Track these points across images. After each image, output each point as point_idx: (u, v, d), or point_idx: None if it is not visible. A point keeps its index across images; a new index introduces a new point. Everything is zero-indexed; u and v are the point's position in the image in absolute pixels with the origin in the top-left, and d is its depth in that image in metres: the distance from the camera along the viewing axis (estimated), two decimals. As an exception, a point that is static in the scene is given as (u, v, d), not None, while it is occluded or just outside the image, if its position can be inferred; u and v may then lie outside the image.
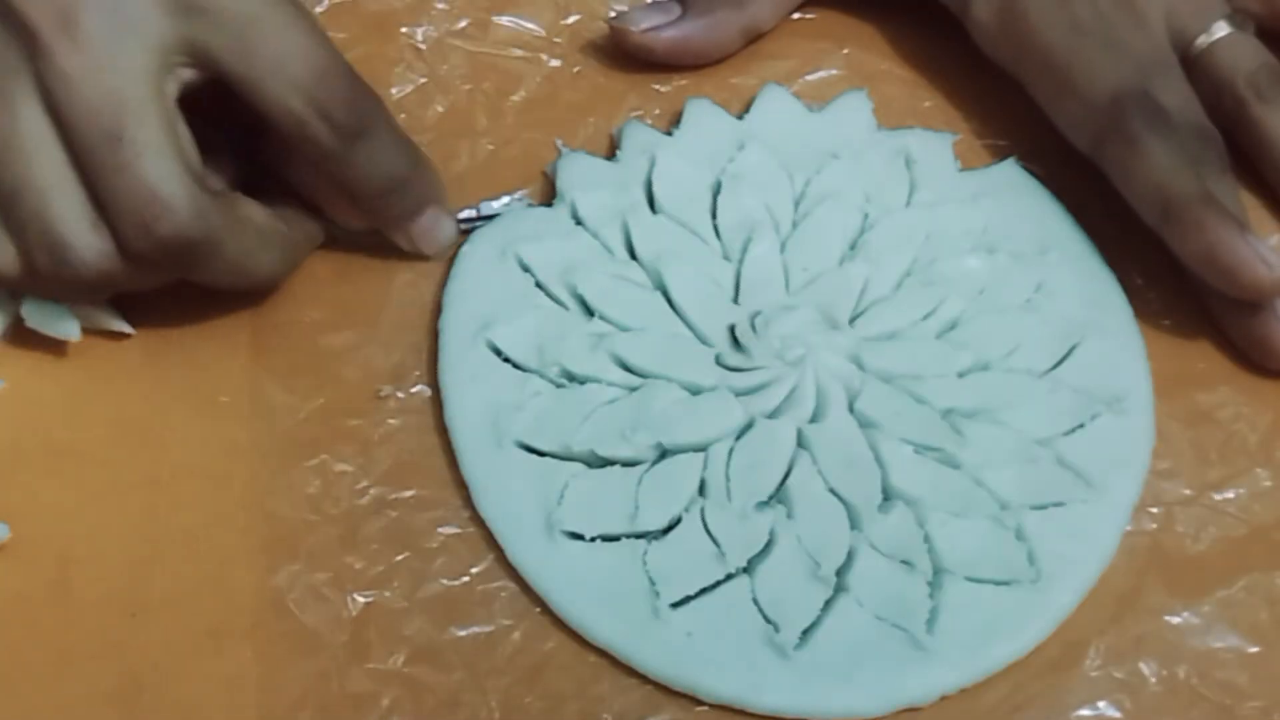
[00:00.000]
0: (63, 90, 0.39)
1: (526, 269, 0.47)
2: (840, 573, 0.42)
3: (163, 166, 0.40)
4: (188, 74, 0.41)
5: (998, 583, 0.42)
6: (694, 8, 0.52)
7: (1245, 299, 0.45)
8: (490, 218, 0.48)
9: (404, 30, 0.52)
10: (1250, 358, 0.46)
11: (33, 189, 0.40)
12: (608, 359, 0.45)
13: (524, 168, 0.50)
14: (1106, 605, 0.42)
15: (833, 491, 0.43)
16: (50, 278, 0.41)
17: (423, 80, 0.51)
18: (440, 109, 0.51)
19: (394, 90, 0.51)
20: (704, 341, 0.46)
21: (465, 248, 0.47)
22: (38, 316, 0.44)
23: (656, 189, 0.48)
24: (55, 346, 0.45)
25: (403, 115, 0.50)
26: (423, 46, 0.52)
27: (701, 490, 0.43)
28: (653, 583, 0.41)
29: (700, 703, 0.40)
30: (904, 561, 0.42)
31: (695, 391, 0.44)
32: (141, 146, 0.39)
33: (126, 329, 0.45)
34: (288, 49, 0.41)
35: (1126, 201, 0.47)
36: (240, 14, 0.40)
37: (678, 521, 0.42)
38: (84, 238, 0.40)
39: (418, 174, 0.45)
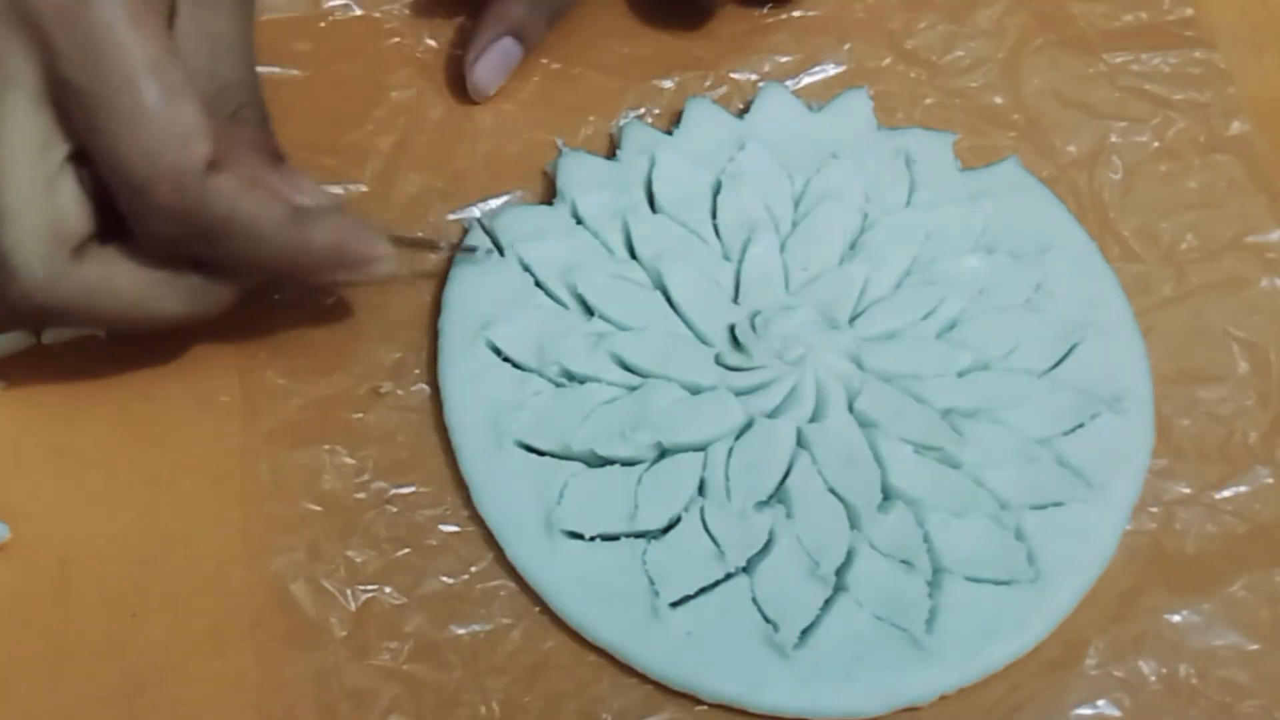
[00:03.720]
0: (63, 66, 0.38)
1: (526, 268, 0.47)
2: (840, 572, 0.42)
3: (18, 234, 0.38)
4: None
5: (997, 582, 0.42)
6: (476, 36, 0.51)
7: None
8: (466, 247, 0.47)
9: (404, 40, 0.52)
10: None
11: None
12: (607, 358, 0.45)
13: (524, 167, 0.50)
14: (1106, 604, 0.42)
15: (832, 491, 0.43)
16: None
17: (423, 83, 0.51)
18: (440, 112, 0.51)
19: (394, 94, 0.51)
20: (704, 341, 0.46)
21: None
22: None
23: (656, 188, 0.48)
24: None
25: (402, 119, 0.50)
26: (421, 55, 0.52)
27: (701, 490, 0.43)
28: (652, 582, 0.41)
29: (700, 702, 0.40)
30: (903, 561, 0.42)
31: (695, 391, 0.44)
32: (4, 215, 0.38)
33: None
34: (127, 144, 0.38)
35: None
36: (97, 95, 0.38)
37: (677, 521, 0.42)
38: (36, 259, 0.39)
39: (302, 257, 0.41)
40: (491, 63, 0.50)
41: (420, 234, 0.47)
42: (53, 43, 0.38)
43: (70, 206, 0.39)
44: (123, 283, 0.40)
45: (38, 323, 0.41)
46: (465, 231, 0.47)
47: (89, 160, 0.39)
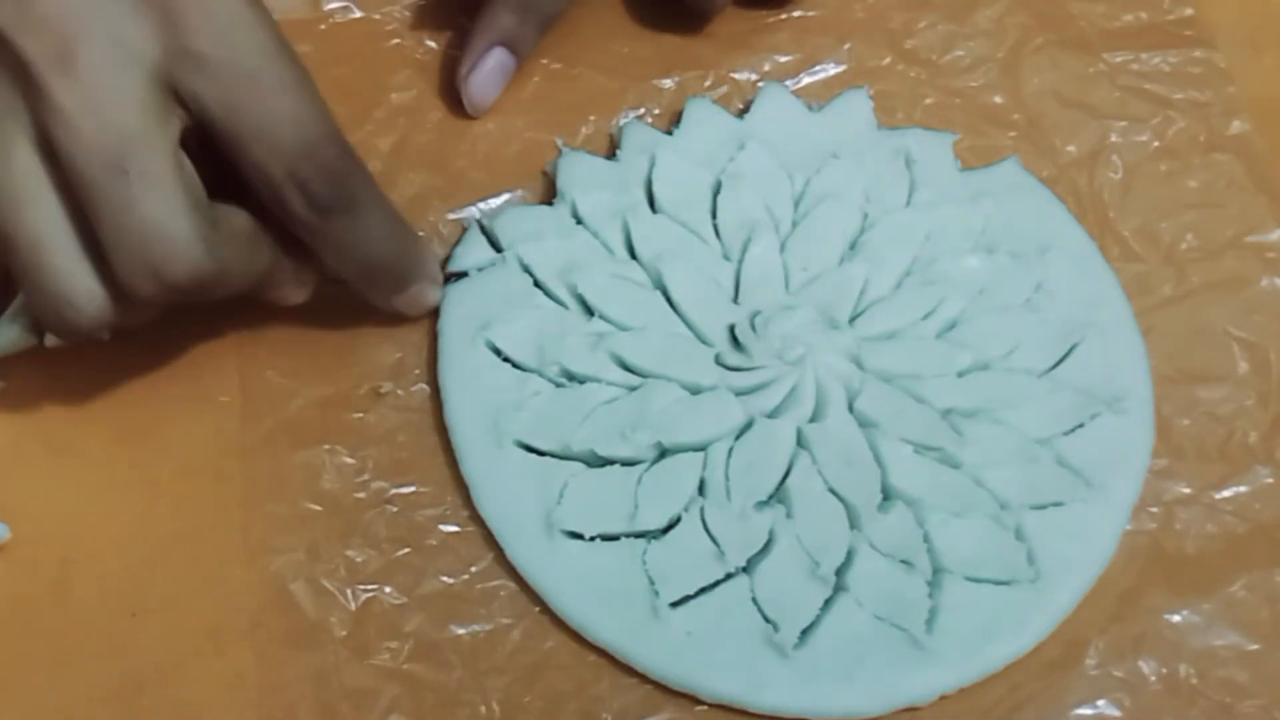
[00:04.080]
0: (61, 127, 0.37)
1: (526, 268, 0.47)
2: (840, 572, 0.42)
3: (170, 203, 0.38)
4: (182, 114, 0.39)
5: (997, 582, 0.42)
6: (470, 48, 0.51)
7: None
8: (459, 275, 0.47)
9: (404, 42, 0.52)
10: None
11: (27, 238, 0.38)
12: (607, 358, 0.45)
13: (524, 167, 0.50)
14: (1106, 604, 0.42)
15: (832, 491, 0.43)
16: (50, 326, 0.40)
17: (423, 84, 0.51)
18: (440, 113, 0.51)
19: (393, 96, 0.51)
20: (704, 341, 0.46)
21: (460, 248, 0.47)
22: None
23: (656, 188, 0.48)
24: (56, 347, 0.45)
25: (402, 119, 0.50)
26: (421, 56, 0.52)
27: (701, 490, 0.43)
28: (652, 582, 0.41)
29: (699, 702, 0.41)
30: (903, 561, 0.42)
31: (695, 391, 0.44)
32: (149, 181, 0.37)
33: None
34: (279, 113, 0.39)
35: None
36: (238, 69, 0.38)
37: (677, 521, 0.42)
38: (81, 289, 0.38)
39: (403, 256, 0.44)
40: (485, 77, 0.50)
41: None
42: (184, 19, 0.38)
43: (194, 180, 0.39)
44: (245, 233, 0.41)
45: (193, 296, 0.40)
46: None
47: (210, 134, 0.39)
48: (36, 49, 0.37)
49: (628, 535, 0.42)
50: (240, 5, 0.39)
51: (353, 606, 0.41)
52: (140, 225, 0.37)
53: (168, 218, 0.38)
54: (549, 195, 0.49)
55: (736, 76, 0.52)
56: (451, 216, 0.49)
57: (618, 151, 0.49)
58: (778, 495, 0.43)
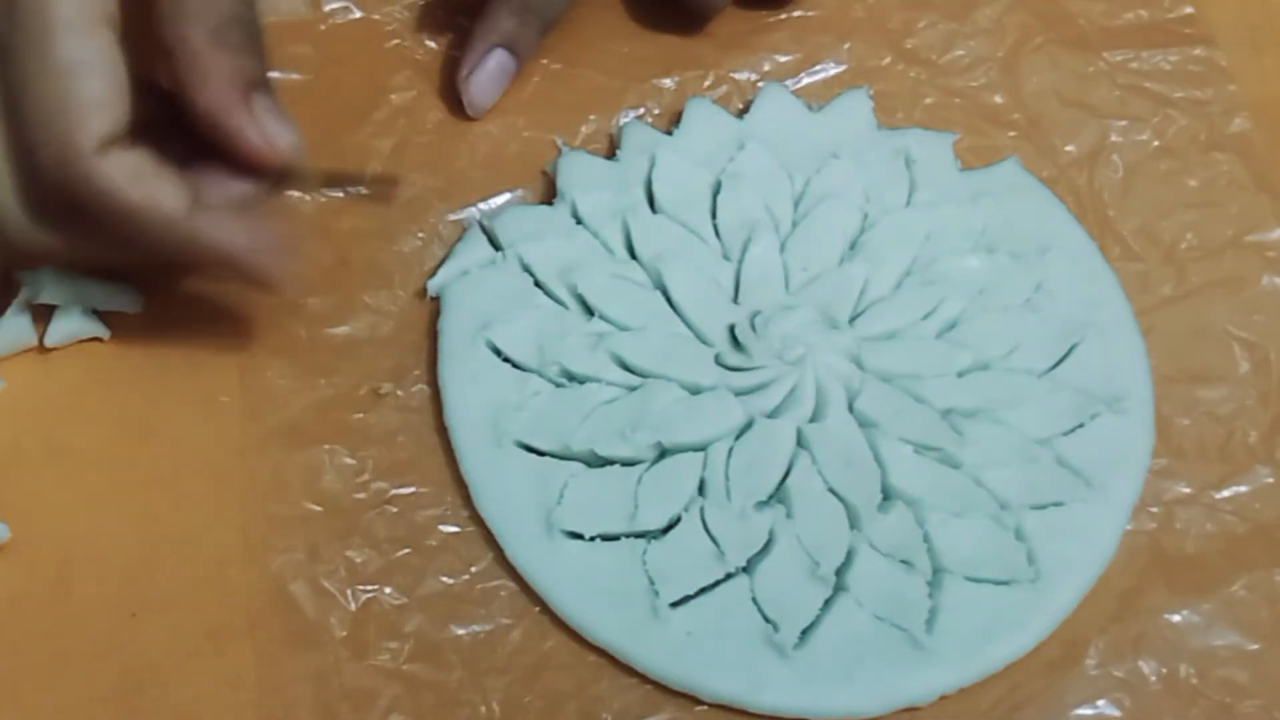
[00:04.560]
0: None
1: (526, 268, 0.47)
2: (840, 572, 0.42)
3: (64, 85, 0.37)
4: None
5: (997, 582, 0.42)
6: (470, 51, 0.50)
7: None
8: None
9: (404, 42, 0.52)
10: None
11: None
12: (607, 358, 0.45)
13: (524, 167, 0.50)
14: (1106, 604, 0.42)
15: (832, 491, 0.43)
16: None
17: (423, 85, 0.51)
18: (440, 114, 0.51)
19: (394, 96, 0.51)
20: (704, 341, 0.46)
21: (460, 245, 0.47)
22: (58, 334, 0.45)
23: (656, 188, 0.48)
24: (55, 347, 0.45)
25: (402, 120, 0.50)
26: (420, 57, 0.52)
27: (701, 490, 0.43)
28: (652, 582, 0.41)
29: (699, 702, 0.41)
30: (903, 561, 0.42)
31: (695, 391, 0.44)
32: (53, 62, 0.37)
33: (104, 332, 0.45)
34: (24, 102, 0.38)
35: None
36: (8, 44, 0.38)
37: (677, 521, 0.42)
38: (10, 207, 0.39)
39: (193, 245, 0.41)
40: (485, 79, 0.50)
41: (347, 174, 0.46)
42: None
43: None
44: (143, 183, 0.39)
45: (54, 224, 0.40)
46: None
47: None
48: None
49: (628, 535, 0.42)
50: None
51: (352, 607, 0.41)
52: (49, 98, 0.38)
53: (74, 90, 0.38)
54: (549, 195, 0.49)
55: (736, 76, 0.52)
56: (451, 217, 0.49)
57: (618, 151, 0.49)
58: (778, 495, 0.43)
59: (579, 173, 0.49)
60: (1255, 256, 0.49)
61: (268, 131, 0.40)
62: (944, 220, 0.48)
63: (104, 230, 0.40)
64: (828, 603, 0.41)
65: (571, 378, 0.45)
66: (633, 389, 0.44)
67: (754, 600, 0.41)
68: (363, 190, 0.46)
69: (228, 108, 0.40)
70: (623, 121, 0.51)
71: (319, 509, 0.43)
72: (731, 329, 0.45)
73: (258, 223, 0.41)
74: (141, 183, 0.39)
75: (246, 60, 0.40)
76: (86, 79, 0.38)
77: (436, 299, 0.46)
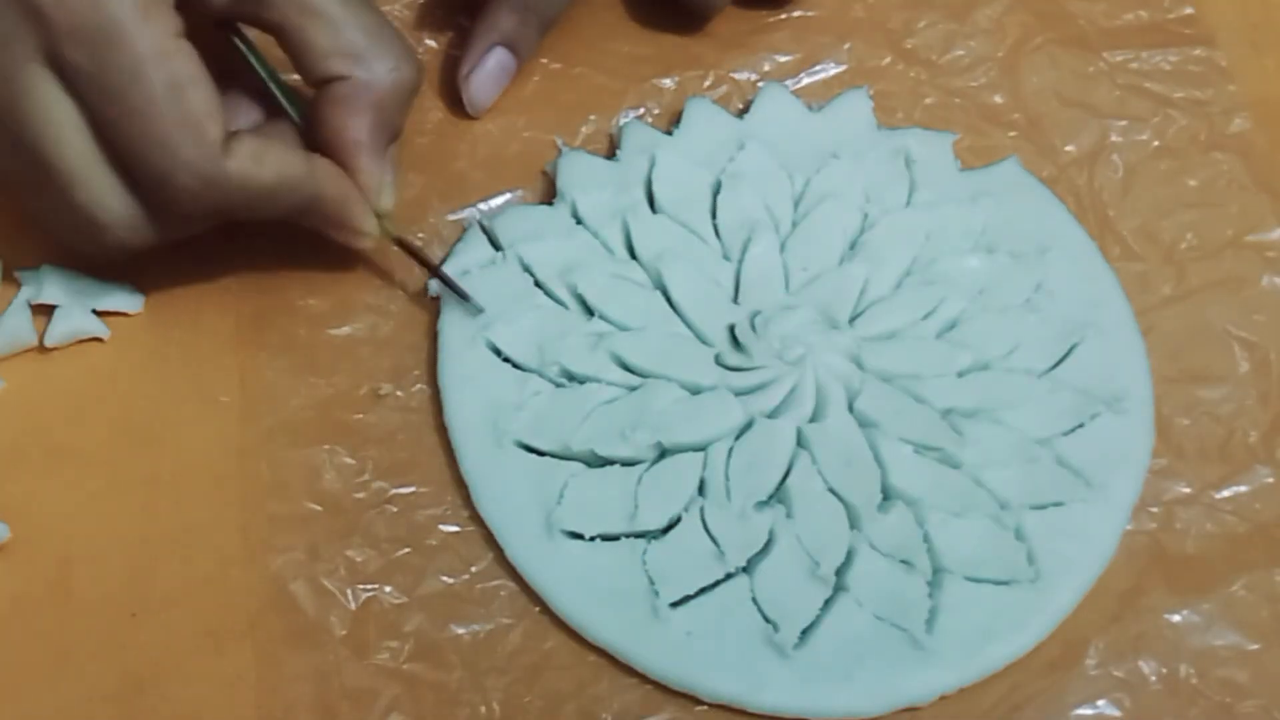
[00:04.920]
0: (69, 49, 0.39)
1: (527, 268, 0.47)
2: (840, 572, 0.42)
3: (98, 193, 0.40)
4: None
5: (997, 582, 0.42)
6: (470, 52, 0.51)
7: None
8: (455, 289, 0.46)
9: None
10: None
11: (57, 173, 0.40)
12: (607, 358, 0.45)
13: (524, 167, 0.50)
14: (1106, 604, 0.42)
15: (832, 491, 0.43)
16: (91, 255, 0.43)
17: (423, 85, 0.51)
18: (440, 114, 0.51)
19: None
20: (704, 341, 0.46)
21: (460, 245, 0.47)
22: (58, 334, 0.45)
23: (656, 188, 0.48)
24: (55, 347, 0.45)
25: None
26: (421, 57, 0.52)
27: (701, 490, 0.43)
28: (652, 582, 0.41)
29: (699, 702, 0.40)
30: (903, 561, 0.42)
31: (695, 391, 0.44)
32: (71, 179, 0.40)
33: (104, 332, 0.45)
34: (138, 135, 0.40)
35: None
36: (101, 83, 0.39)
37: (677, 521, 0.42)
38: (113, 214, 0.41)
39: (318, 199, 0.44)
40: (485, 77, 0.50)
41: (422, 251, 0.46)
42: (53, 26, 0.38)
43: (206, 85, 0.41)
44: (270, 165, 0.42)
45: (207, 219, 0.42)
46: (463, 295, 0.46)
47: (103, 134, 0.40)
48: None
49: (628, 535, 0.42)
50: (120, 21, 0.39)
51: (353, 606, 0.41)
52: (72, 213, 0.41)
53: (101, 203, 0.41)
54: (549, 195, 0.49)
55: (736, 76, 0.52)
56: (451, 217, 0.49)
57: (618, 151, 0.49)
58: (778, 495, 0.43)
59: (579, 173, 0.49)
60: (1255, 256, 0.49)
61: (378, 185, 0.45)
62: (944, 220, 0.48)
63: (242, 213, 0.42)
64: (828, 603, 0.41)
65: (571, 378, 0.45)
66: (633, 389, 0.44)
67: (754, 600, 0.41)
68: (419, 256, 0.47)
69: (370, 151, 0.44)
70: (623, 121, 0.51)
71: (319, 508, 0.43)
72: (731, 329, 0.45)
73: (353, 172, 0.44)
74: (265, 161, 0.42)
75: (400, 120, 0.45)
76: (192, 92, 0.40)
77: (437, 299, 0.46)
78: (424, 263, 0.46)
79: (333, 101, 0.43)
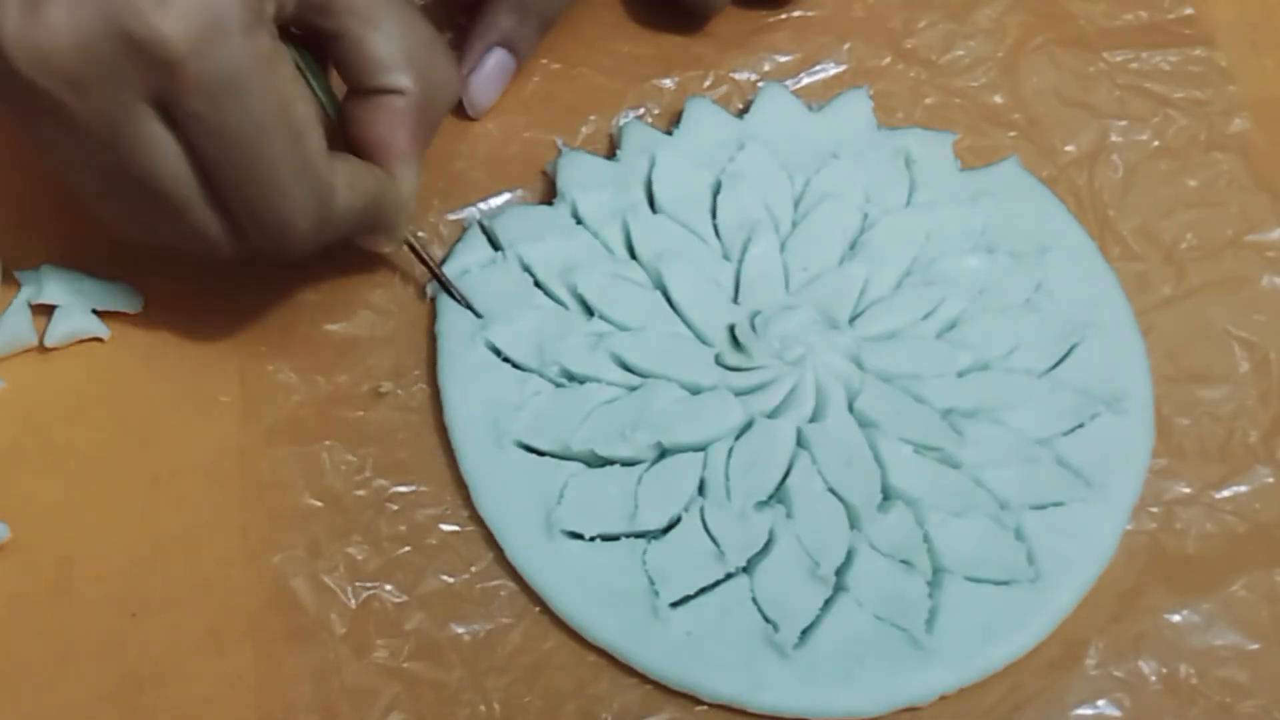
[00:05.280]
0: (88, 148, 0.38)
1: (526, 268, 0.47)
2: (840, 572, 0.42)
3: (198, 223, 0.40)
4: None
5: (997, 582, 0.42)
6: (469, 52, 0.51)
7: None
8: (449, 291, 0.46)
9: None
10: None
11: (167, 199, 0.39)
12: (607, 358, 0.45)
13: (524, 167, 0.50)
14: (1106, 604, 0.42)
15: (832, 491, 0.43)
16: (194, 257, 0.42)
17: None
18: (440, 112, 0.51)
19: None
20: (704, 341, 0.46)
21: (461, 245, 0.47)
22: (58, 334, 0.45)
23: (656, 188, 0.48)
24: (55, 347, 0.45)
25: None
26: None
27: (701, 490, 0.43)
28: (652, 582, 0.41)
29: (699, 702, 0.40)
30: (903, 561, 0.42)
31: (695, 391, 0.44)
32: (176, 209, 0.39)
33: (104, 332, 0.45)
34: (251, 184, 0.39)
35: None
36: (228, 134, 0.38)
37: (677, 521, 0.42)
38: (220, 239, 0.41)
39: (379, 230, 0.45)
40: (485, 78, 0.50)
41: (429, 256, 0.46)
42: (178, 76, 0.37)
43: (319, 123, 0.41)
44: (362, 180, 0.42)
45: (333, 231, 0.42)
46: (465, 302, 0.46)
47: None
48: (47, 81, 0.37)
49: (628, 535, 0.42)
50: (246, 73, 0.37)
51: (353, 604, 0.41)
52: (177, 235, 0.41)
53: (200, 231, 0.40)
54: (549, 195, 0.49)
55: (736, 76, 0.52)
56: (451, 217, 0.49)
57: (618, 151, 0.49)
58: (778, 495, 0.43)
59: (579, 173, 0.49)
60: (1255, 256, 0.49)
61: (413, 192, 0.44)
62: (944, 220, 0.48)
63: (334, 240, 0.42)
64: (828, 603, 0.41)
65: (571, 378, 0.45)
66: (633, 389, 0.44)
67: (754, 600, 0.41)
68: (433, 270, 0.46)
69: (413, 161, 0.44)
70: (623, 121, 0.51)
71: (319, 505, 0.43)
72: (731, 329, 0.45)
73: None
74: (356, 186, 0.42)
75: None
76: (310, 138, 0.39)
77: (434, 298, 0.46)
78: (427, 265, 0.46)
79: (384, 111, 0.43)
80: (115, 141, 0.38)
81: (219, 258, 0.42)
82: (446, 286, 0.46)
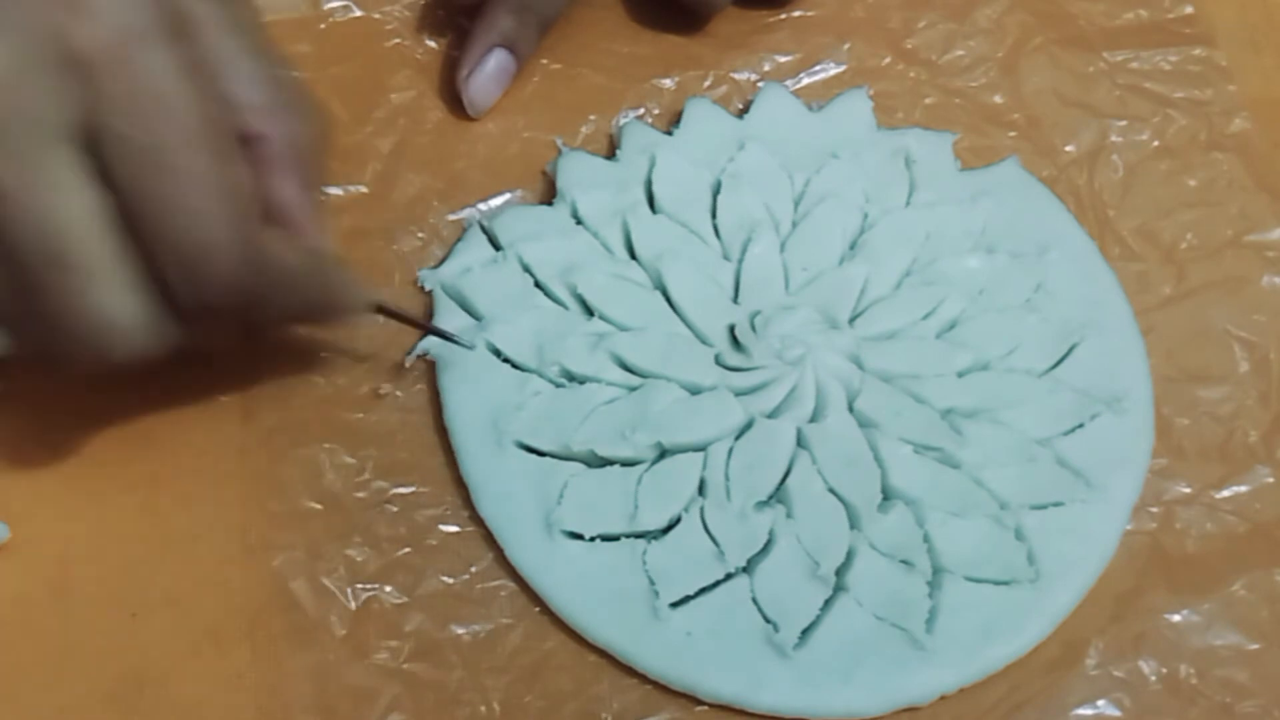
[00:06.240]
0: (116, 118, 0.35)
1: (526, 268, 0.47)
2: (840, 572, 0.42)
3: (113, 294, 0.36)
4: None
5: (997, 582, 0.42)
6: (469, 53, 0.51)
7: None
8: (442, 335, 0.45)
9: (404, 42, 0.52)
10: None
11: (72, 270, 0.35)
12: (607, 359, 0.45)
13: (524, 167, 0.50)
14: (1106, 604, 0.42)
15: (832, 491, 0.43)
16: (79, 365, 0.38)
17: (423, 84, 0.51)
18: (440, 114, 0.51)
19: (393, 96, 0.51)
20: (704, 341, 0.46)
21: (461, 245, 0.47)
22: None
23: (656, 188, 0.48)
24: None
25: (402, 120, 0.50)
26: (421, 56, 0.52)
27: (701, 490, 0.43)
28: (652, 582, 0.41)
29: (699, 702, 0.41)
30: (903, 561, 0.42)
31: (695, 391, 0.44)
32: (89, 275, 0.35)
33: None
34: (183, 209, 0.36)
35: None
36: (150, 155, 0.35)
37: (677, 521, 0.42)
38: (128, 313, 0.36)
39: (318, 310, 0.41)
40: (485, 78, 0.50)
41: (405, 311, 0.45)
42: (100, 87, 0.35)
43: (244, 180, 0.38)
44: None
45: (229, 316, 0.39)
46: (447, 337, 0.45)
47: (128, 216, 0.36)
48: (92, 45, 0.35)
49: (628, 535, 0.42)
50: (167, 76, 0.35)
51: (353, 606, 0.41)
52: (82, 316, 0.36)
53: (115, 305, 0.36)
54: (549, 195, 0.49)
55: (736, 76, 0.52)
56: (451, 217, 0.49)
57: (618, 151, 0.49)
58: (778, 495, 0.43)
59: (579, 173, 0.49)
60: (1255, 256, 0.49)
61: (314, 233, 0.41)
62: (944, 220, 0.48)
63: (256, 306, 0.39)
64: (828, 603, 0.41)
65: (571, 378, 0.45)
66: (633, 389, 0.44)
67: (754, 600, 0.41)
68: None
69: (315, 213, 0.41)
70: (623, 121, 0.51)
71: (319, 507, 0.43)
72: (731, 329, 0.45)
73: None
74: (289, 247, 0.39)
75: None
76: (236, 161, 0.37)
77: (430, 292, 0.46)
78: (409, 321, 0.45)
79: (259, 162, 0.39)
80: (25, 196, 0.34)
81: (129, 347, 0.37)
82: (437, 334, 0.45)
